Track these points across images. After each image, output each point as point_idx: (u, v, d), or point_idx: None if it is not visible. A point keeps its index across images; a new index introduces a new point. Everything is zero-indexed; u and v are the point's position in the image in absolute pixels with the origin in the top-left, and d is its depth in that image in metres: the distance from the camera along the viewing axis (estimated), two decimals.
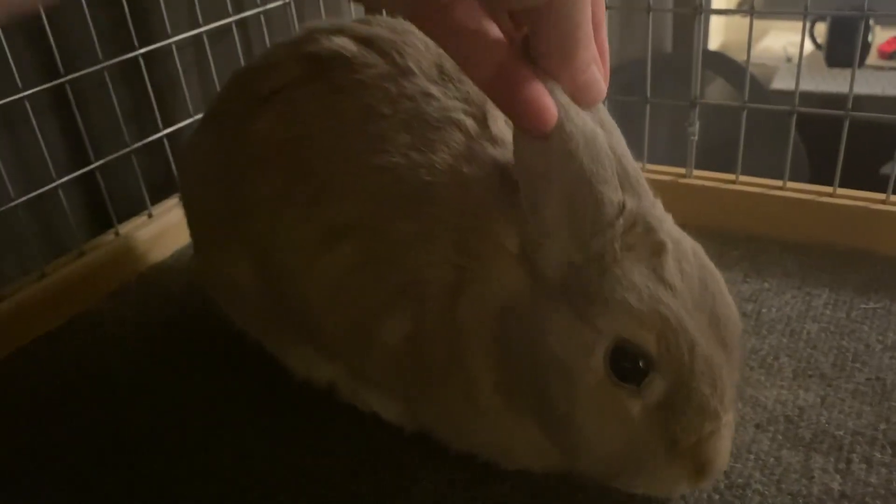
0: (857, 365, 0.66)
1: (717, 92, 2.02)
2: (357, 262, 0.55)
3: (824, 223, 0.82)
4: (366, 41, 0.60)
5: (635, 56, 1.79)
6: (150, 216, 0.93)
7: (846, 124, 0.79)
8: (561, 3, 0.39)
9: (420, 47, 0.59)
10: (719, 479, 0.56)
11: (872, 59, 2.21)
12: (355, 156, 0.56)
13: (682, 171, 0.90)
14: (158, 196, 0.96)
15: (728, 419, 0.48)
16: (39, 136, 0.81)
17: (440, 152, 0.53)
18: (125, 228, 0.91)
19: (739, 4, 2.54)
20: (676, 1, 1.94)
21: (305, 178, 0.57)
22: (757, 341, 0.70)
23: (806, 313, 0.73)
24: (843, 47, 2.18)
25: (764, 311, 0.74)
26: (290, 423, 0.65)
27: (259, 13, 1.02)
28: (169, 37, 0.91)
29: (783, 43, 2.40)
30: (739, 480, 0.56)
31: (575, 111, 0.44)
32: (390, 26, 0.62)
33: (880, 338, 0.69)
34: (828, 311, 0.73)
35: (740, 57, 1.91)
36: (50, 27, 0.80)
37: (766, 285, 0.77)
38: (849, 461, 0.57)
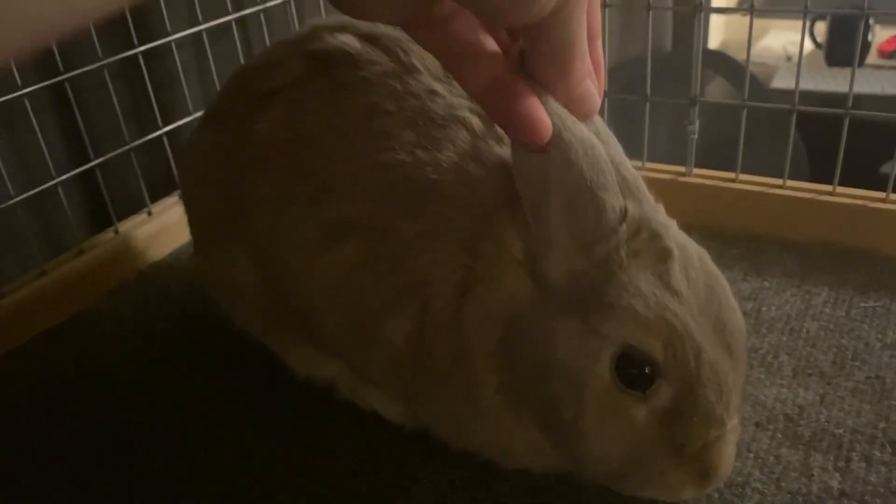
0: (857, 363, 0.66)
1: (716, 91, 2.01)
2: (358, 261, 0.54)
3: (824, 222, 0.82)
4: (370, 38, 0.59)
5: (635, 54, 1.79)
6: (149, 214, 0.93)
7: (846, 123, 0.79)
8: (557, 18, 0.39)
9: None
10: None
11: (872, 58, 2.20)
12: (359, 154, 0.55)
13: (681, 169, 0.90)
14: (158, 194, 0.95)
15: (733, 425, 0.48)
16: (39, 134, 0.81)
17: (446, 150, 0.53)
18: (125, 226, 0.90)
19: (739, 3, 2.54)
20: None
21: (307, 177, 0.57)
22: (757, 340, 0.70)
23: (805, 312, 0.73)
24: (842, 46, 2.18)
25: (764, 309, 0.74)
26: (290, 423, 0.65)
27: (259, 11, 1.01)
28: (169, 35, 0.91)
29: (783, 42, 2.40)
30: (739, 479, 0.56)
31: (572, 121, 0.44)
32: None
33: (880, 336, 0.69)
34: (827, 310, 0.73)
35: (740, 56, 1.91)
36: None
37: (766, 284, 0.77)
38: (848, 459, 0.57)
